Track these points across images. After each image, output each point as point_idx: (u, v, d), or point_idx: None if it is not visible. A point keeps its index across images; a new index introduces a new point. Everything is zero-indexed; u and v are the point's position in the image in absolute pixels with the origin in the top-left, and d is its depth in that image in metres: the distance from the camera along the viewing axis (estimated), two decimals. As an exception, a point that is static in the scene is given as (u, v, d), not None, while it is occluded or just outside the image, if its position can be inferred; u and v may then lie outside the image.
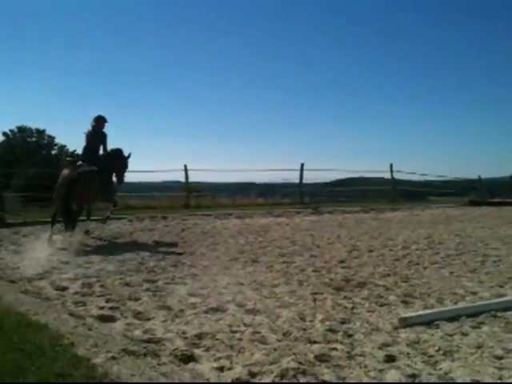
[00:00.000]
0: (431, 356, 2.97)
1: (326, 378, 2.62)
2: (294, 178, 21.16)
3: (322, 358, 2.92)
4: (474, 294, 4.63)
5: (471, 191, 26.19)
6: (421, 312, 3.83)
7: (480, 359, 2.91)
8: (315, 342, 3.22)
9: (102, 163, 8.87)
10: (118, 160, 9.32)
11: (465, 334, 3.39)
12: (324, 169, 27.67)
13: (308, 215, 15.17)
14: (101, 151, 9.17)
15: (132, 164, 9.60)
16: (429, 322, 3.61)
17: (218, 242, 8.52)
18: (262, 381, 2.62)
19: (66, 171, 8.42)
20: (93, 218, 9.58)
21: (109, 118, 9.24)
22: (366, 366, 2.80)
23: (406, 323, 3.56)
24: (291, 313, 3.93)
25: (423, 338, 3.28)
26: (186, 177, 17.68)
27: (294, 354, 2.96)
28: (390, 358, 2.92)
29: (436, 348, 3.09)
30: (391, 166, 22.35)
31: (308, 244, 8.23)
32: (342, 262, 6.43)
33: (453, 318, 3.73)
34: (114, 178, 9.36)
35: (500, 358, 2.95)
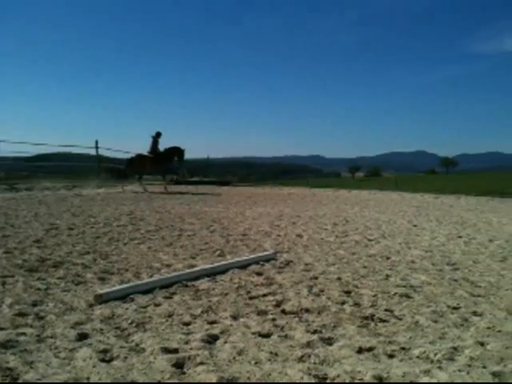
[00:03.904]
0: (124, 329, 3.02)
1: (12, 364, 2.40)
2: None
3: (8, 345, 2.67)
4: (168, 266, 4.90)
5: (174, 171, 27.85)
6: (116, 287, 3.86)
7: (170, 327, 3.09)
8: (1, 329, 2.93)
9: (164, 154, 18.11)
10: (176, 151, 18.17)
11: (157, 305, 3.56)
12: (25, 141, 25.51)
13: (2, 192, 13.81)
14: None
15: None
16: (124, 296, 3.67)
17: None
18: None
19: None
20: None
21: None
22: (56, 348, 2.68)
23: (102, 299, 3.54)
24: (-28, 300, 3.49)
25: (118, 313, 3.32)
26: None
27: (-27, 345, 2.63)
28: (83, 336, 2.86)
29: (129, 321, 3.16)
30: (96, 142, 22.00)
31: (0, 224, 7.47)
32: (38, 241, 6.03)
33: (148, 290, 3.87)
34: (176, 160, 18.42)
35: (188, 323, 3.18)
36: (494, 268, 5.29)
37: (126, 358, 2.58)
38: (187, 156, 19.95)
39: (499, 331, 3.15)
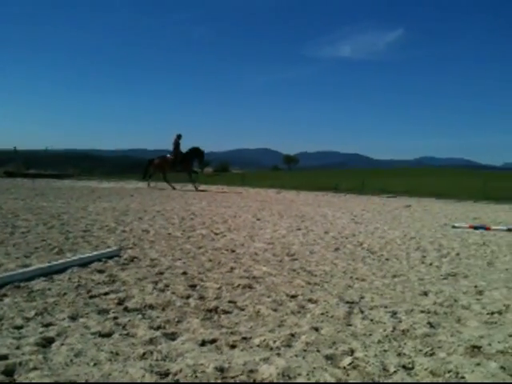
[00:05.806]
0: None
1: None
2: None
3: None
4: (-1, 266, 4.48)
5: (8, 162, 25.78)
6: None
7: (0, 332, 2.82)
8: None
9: (185, 154, 21.02)
10: (197, 152, 21.18)
11: (-16, 309, 3.23)
12: None
13: None
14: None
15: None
16: None
17: None
18: None
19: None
20: None
21: None
22: None
23: None
24: None
25: None
26: None
27: None
28: None
29: None
30: None
31: None
32: None
33: (-27, 294, 3.50)
34: (196, 161, 21.85)
35: (20, 327, 2.93)
36: (328, 257, 5.72)
37: None
38: (21, 147, 18.67)
39: (332, 316, 3.41)
